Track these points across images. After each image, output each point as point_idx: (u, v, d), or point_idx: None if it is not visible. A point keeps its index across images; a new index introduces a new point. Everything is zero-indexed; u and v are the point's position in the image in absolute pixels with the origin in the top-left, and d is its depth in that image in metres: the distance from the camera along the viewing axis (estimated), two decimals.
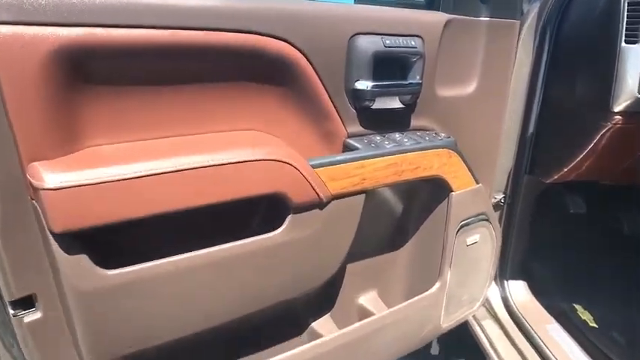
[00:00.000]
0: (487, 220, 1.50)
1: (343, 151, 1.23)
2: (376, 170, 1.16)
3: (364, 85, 1.16)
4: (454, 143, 1.34)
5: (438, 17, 1.29)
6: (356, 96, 1.18)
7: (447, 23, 1.30)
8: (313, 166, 1.06)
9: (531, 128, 1.69)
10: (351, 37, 1.13)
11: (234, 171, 0.93)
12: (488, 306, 1.77)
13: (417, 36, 1.24)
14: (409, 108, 1.31)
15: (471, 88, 1.43)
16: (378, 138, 1.24)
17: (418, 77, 1.26)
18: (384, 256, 1.46)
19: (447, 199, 1.37)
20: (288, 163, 1.00)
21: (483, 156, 1.57)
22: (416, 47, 1.22)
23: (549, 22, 1.43)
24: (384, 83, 1.19)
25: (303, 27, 1.05)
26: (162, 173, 0.82)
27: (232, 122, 1.07)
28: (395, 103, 1.26)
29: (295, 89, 1.08)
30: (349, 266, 1.38)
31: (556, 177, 1.60)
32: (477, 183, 1.42)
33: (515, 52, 1.54)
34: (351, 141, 1.21)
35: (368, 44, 1.14)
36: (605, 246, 2.00)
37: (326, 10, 1.08)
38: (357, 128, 1.23)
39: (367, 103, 1.19)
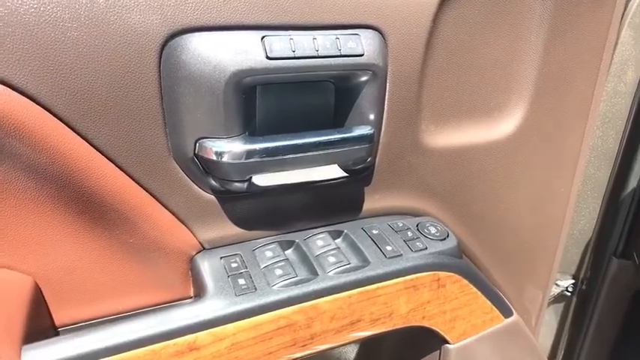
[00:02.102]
0: None
1: (194, 291, 0.58)
2: (235, 348, 0.50)
3: (220, 146, 0.49)
4: (455, 249, 0.63)
5: None
6: (207, 169, 0.51)
7: None
8: None
9: (633, 182, 0.92)
10: (167, 41, 0.45)
11: None
12: None
13: (367, 27, 0.53)
14: (361, 177, 0.62)
15: (512, 121, 0.70)
16: (270, 253, 0.56)
17: (372, 116, 0.56)
18: None
19: (438, 355, 0.68)
20: None
21: (536, 230, 0.84)
22: (360, 54, 0.52)
23: None
24: (277, 145, 0.51)
25: (23, 38, 0.41)
26: None
27: None
28: (326, 172, 0.57)
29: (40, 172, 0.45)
30: None
31: None
32: (508, 315, 0.71)
33: (615, 39, 0.77)
34: (204, 262, 0.55)
35: (218, 54, 0.46)
36: None
37: None
38: (224, 230, 0.56)
39: (238, 184, 0.52)
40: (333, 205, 0.63)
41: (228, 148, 0.49)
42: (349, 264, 0.56)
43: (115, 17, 0.43)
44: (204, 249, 0.56)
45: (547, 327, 1.14)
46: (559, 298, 1.11)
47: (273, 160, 0.51)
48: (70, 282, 0.52)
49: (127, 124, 0.47)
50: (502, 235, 0.78)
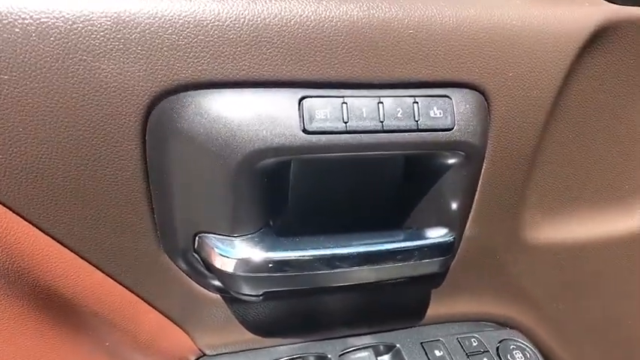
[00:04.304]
0: None
1: None
2: None
3: (227, 250, 0.34)
4: None
5: (566, 17, 0.37)
6: (210, 269, 0.36)
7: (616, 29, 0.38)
8: None
9: None
10: (156, 102, 0.30)
11: None
12: None
13: (462, 85, 0.35)
14: (437, 280, 0.45)
15: None
16: None
17: (455, 206, 0.39)
18: None
19: None
20: None
21: None
22: (449, 128, 0.34)
23: None
24: (311, 256, 0.35)
25: None
26: None
27: None
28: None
29: None
30: None
31: None
32: None
33: None
34: None
35: (230, 124, 0.30)
36: None
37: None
38: (231, 335, 0.42)
39: (252, 297, 0.37)
40: (383, 308, 0.47)
41: (239, 254, 0.34)
42: None
43: (82, 69, 0.28)
44: (204, 355, 0.43)
45: None
46: None
47: (304, 275, 0.35)
48: None
49: (96, 211, 0.33)
50: (609, 349, 0.58)
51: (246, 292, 0.36)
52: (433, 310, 0.48)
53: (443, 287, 0.47)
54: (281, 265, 0.34)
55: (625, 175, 0.48)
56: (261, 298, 0.37)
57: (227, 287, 0.36)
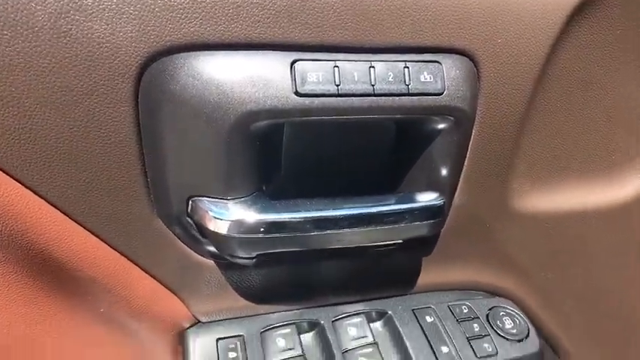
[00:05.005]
0: None
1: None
2: None
3: (221, 212, 0.34)
4: (536, 357, 0.47)
5: None
6: (204, 234, 0.36)
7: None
8: None
9: None
10: (148, 64, 0.30)
11: None
12: None
13: (452, 51, 0.35)
14: (427, 248, 0.46)
15: (638, 182, 0.50)
16: (281, 342, 0.42)
17: (444, 171, 0.39)
18: None
19: None
20: None
21: None
22: (439, 92, 0.35)
23: None
24: (304, 217, 0.35)
25: None
26: None
27: None
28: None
29: None
30: None
31: None
32: None
33: None
34: (196, 342, 0.42)
35: (222, 86, 0.30)
36: None
37: None
38: (226, 301, 0.43)
39: (245, 260, 0.37)
40: (375, 276, 0.47)
41: (233, 216, 0.35)
42: None
43: (75, 29, 0.29)
44: (199, 322, 0.43)
45: None
46: None
47: (297, 237, 0.36)
48: (26, 352, 0.41)
49: (89, 173, 0.33)
50: (598, 319, 0.60)
51: (239, 255, 0.36)
52: (424, 278, 0.49)
53: (433, 255, 0.47)
54: (273, 227, 0.35)
55: (613, 145, 0.49)
56: (253, 261, 0.37)
57: (220, 250, 0.37)
